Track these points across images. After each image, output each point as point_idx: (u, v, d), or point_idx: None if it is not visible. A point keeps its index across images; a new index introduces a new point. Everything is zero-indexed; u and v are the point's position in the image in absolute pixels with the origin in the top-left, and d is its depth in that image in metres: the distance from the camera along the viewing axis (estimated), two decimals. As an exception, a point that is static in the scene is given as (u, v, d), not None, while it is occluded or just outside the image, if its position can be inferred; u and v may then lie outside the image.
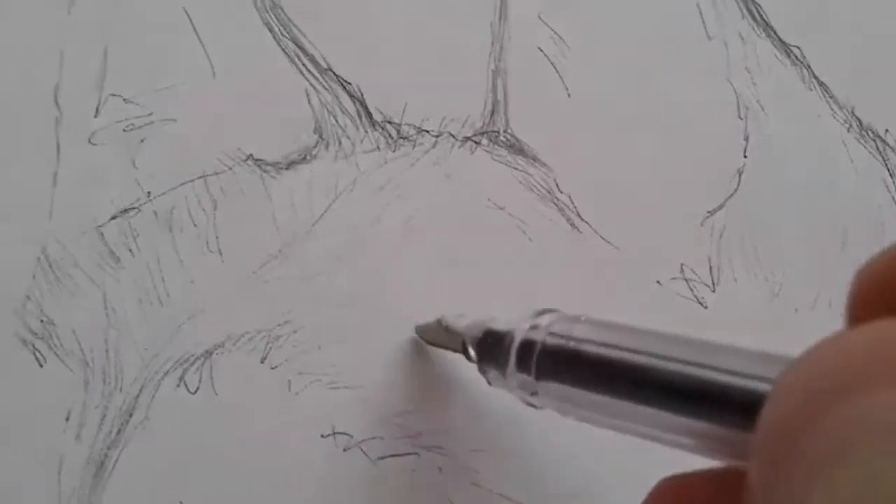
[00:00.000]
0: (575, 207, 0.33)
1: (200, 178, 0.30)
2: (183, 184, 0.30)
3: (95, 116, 0.30)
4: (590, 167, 0.34)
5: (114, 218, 0.29)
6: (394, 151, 0.32)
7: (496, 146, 0.33)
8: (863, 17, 0.37)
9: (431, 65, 0.33)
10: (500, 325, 0.27)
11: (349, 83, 0.32)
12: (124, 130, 0.30)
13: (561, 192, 0.34)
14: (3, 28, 0.29)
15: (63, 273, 0.29)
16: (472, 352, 0.28)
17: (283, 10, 0.32)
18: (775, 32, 0.36)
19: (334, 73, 0.32)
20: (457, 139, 0.33)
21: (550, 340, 0.24)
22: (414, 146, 0.33)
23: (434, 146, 0.33)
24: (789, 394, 0.15)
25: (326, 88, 0.32)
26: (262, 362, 0.30)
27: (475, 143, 0.33)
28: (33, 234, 0.29)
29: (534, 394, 0.25)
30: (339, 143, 0.32)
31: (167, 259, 0.30)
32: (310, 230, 0.31)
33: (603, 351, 0.23)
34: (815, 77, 0.36)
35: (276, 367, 0.30)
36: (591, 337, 0.23)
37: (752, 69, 0.35)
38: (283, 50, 0.32)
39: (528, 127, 0.34)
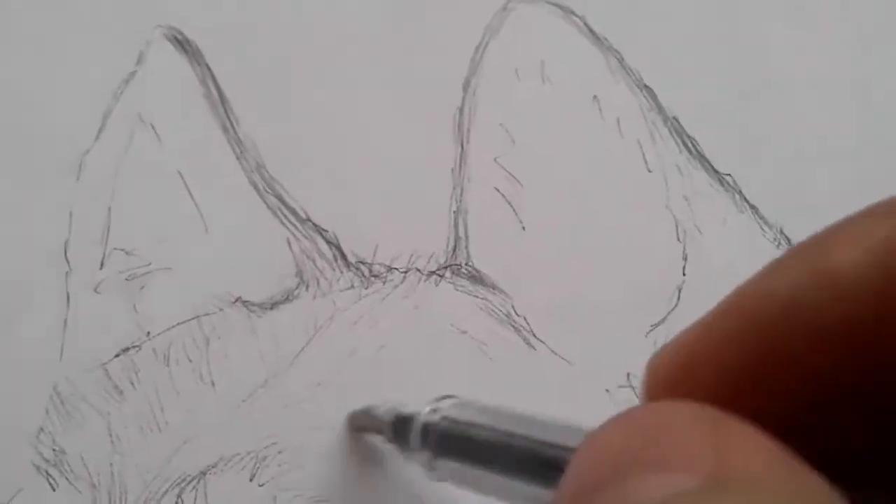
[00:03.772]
0: (531, 328, 0.37)
1: (194, 318, 0.34)
2: (179, 324, 0.34)
3: (101, 268, 0.34)
4: (543, 292, 0.37)
5: (117, 356, 0.33)
6: (367, 288, 0.36)
7: (458, 278, 0.37)
8: (788, 147, 0.41)
9: (399, 209, 0.37)
10: (408, 409, 0.31)
11: (326, 231, 0.36)
12: (126, 279, 0.34)
13: (518, 316, 0.37)
14: (19, 193, 0.34)
15: (72, 407, 0.33)
16: (387, 434, 0.32)
17: (266, 170, 0.36)
18: (710, 163, 0.40)
19: (312, 223, 0.36)
20: (423, 273, 0.37)
21: (443, 423, 0.28)
22: (385, 282, 0.36)
23: (403, 281, 0.36)
24: (564, 485, 0.17)
25: (306, 236, 0.36)
26: (250, 480, 0.33)
27: (440, 276, 0.37)
28: (46, 373, 0.33)
29: (433, 469, 0.29)
30: (318, 283, 0.36)
31: (165, 390, 0.33)
32: (292, 362, 0.35)
33: (473, 432, 0.27)
34: (747, 201, 0.40)
35: (263, 484, 0.33)
36: (473, 419, 0.27)
37: (690, 197, 0.39)
38: (267, 204, 0.36)
39: (487, 259, 0.37)
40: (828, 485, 0.15)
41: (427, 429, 0.29)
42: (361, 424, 0.34)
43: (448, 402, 0.30)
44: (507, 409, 0.27)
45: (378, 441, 0.33)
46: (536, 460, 0.24)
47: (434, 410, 0.29)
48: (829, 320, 0.17)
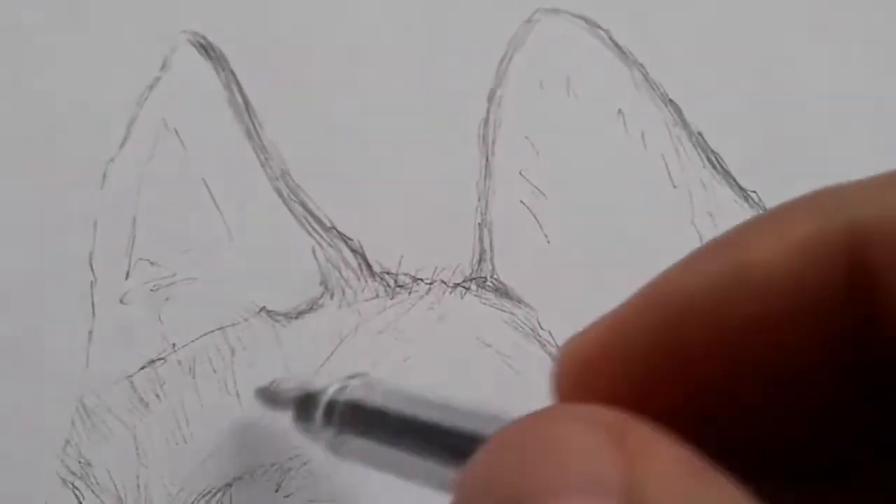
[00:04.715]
0: (556, 343, 0.37)
1: (219, 329, 0.34)
2: (204, 335, 0.34)
3: (126, 279, 0.34)
4: (568, 305, 0.37)
5: (143, 368, 0.33)
6: (392, 299, 0.36)
7: (484, 290, 0.37)
8: (813, 163, 0.41)
9: (424, 220, 0.37)
10: (316, 386, 0.30)
11: (351, 239, 0.36)
12: (151, 290, 0.34)
13: (542, 329, 0.37)
14: (44, 202, 0.34)
15: (98, 419, 0.32)
16: (292, 411, 0.31)
17: (290, 177, 0.36)
18: (734, 179, 0.40)
19: (337, 231, 0.36)
20: (448, 286, 0.37)
21: (348, 401, 0.28)
22: (410, 293, 0.36)
23: (428, 293, 0.36)
24: (465, 489, 0.16)
25: (331, 245, 0.36)
26: (276, 491, 0.33)
27: (465, 288, 0.37)
28: (72, 385, 0.32)
29: (336, 447, 0.29)
30: (343, 293, 0.36)
31: (190, 402, 0.33)
32: (317, 372, 0.35)
33: (380, 411, 0.27)
34: (771, 217, 0.40)
35: (288, 495, 0.33)
36: (379, 400, 0.27)
37: (714, 213, 0.39)
38: (292, 212, 0.36)
39: (512, 272, 0.37)
40: (741, 492, 0.15)
41: (332, 407, 0.29)
42: (267, 400, 0.33)
43: (356, 380, 0.29)
44: (414, 391, 0.27)
45: (282, 418, 0.32)
46: (441, 442, 0.24)
47: (341, 388, 0.29)
48: (741, 315, 0.17)
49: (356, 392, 0.29)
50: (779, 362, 0.17)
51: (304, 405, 0.30)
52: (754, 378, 0.17)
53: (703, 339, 0.17)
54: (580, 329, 0.19)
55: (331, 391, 0.29)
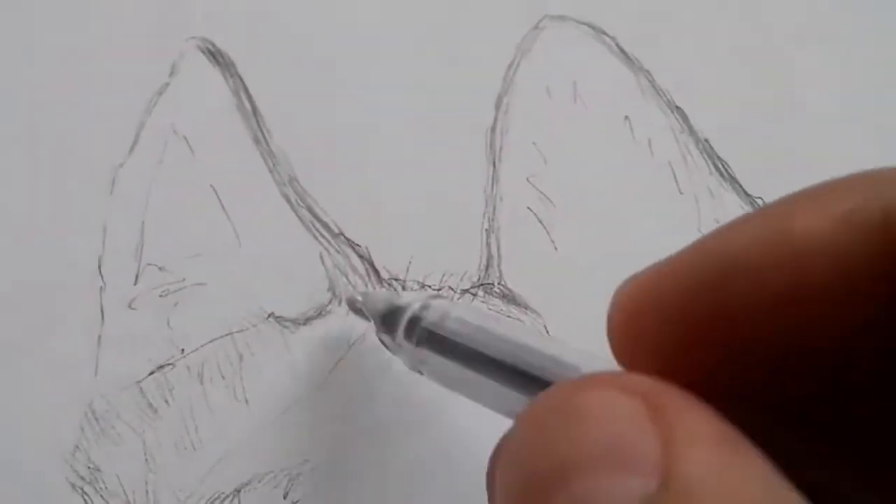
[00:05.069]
0: (563, 349, 0.37)
1: (228, 335, 0.34)
2: (212, 341, 0.34)
3: (135, 284, 0.34)
4: (575, 313, 0.37)
5: (151, 374, 0.33)
6: (400, 305, 0.36)
7: (491, 296, 0.37)
8: (819, 170, 0.41)
9: (432, 226, 0.37)
10: (401, 300, 0.31)
11: (358, 245, 0.36)
12: (160, 295, 0.34)
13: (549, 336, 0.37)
14: (53, 208, 0.34)
15: (107, 424, 0.33)
16: (376, 322, 0.32)
17: (298, 183, 0.36)
18: (741, 186, 0.40)
19: (345, 237, 0.36)
20: (455, 292, 0.37)
21: (427, 324, 0.29)
22: (417, 299, 0.36)
23: (435, 299, 0.37)
24: (506, 474, 0.16)
25: (338, 251, 0.36)
26: (284, 497, 0.33)
27: (472, 294, 0.37)
28: (81, 390, 0.33)
29: (414, 362, 0.30)
30: (351, 299, 0.36)
31: (199, 408, 0.34)
32: (326, 378, 0.35)
33: (461, 333, 0.27)
34: (778, 224, 0.40)
35: (296, 501, 0.33)
36: (460, 319, 0.28)
37: (721, 220, 0.39)
38: (300, 218, 0.36)
39: (519, 278, 0.37)
40: (773, 472, 0.15)
41: (413, 324, 0.30)
42: (357, 307, 0.34)
43: (438, 301, 0.30)
44: (488, 320, 0.27)
45: (369, 328, 0.34)
46: (505, 377, 0.25)
47: (423, 307, 0.30)
48: (781, 278, 0.17)
49: (435, 314, 0.29)
50: (811, 330, 0.17)
51: (389, 319, 0.31)
52: (785, 345, 0.17)
53: (741, 300, 0.17)
54: (637, 271, 0.20)
55: (413, 309, 0.30)
